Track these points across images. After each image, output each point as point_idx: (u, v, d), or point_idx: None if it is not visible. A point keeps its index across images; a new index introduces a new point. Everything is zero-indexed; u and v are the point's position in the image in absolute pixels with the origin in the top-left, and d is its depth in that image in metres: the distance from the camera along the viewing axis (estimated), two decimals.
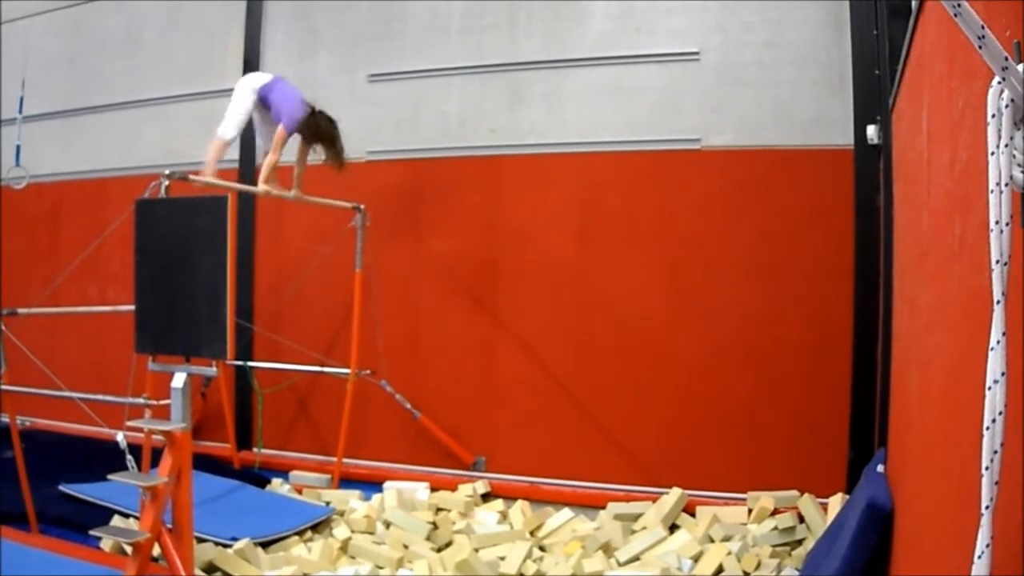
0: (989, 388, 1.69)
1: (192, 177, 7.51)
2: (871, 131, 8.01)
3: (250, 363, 10.20)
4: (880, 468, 6.21)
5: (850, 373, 8.27)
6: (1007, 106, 1.67)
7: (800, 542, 7.51)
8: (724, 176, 8.84)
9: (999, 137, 1.69)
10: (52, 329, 11.02)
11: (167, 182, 7.05)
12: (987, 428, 1.70)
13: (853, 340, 8.26)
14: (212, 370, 6.58)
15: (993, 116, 1.70)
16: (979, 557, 1.72)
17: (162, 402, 6.57)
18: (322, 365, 9.79)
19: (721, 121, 8.86)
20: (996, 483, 1.70)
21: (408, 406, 9.58)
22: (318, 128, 8.42)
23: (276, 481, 9.44)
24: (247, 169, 10.53)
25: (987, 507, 1.70)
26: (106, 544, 7.40)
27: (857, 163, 8.29)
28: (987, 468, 1.69)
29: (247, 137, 10.36)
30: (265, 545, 7.68)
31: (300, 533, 8.05)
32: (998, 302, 1.68)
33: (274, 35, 10.77)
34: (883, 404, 7.13)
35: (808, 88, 8.56)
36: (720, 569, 7.10)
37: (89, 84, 11.91)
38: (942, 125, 3.65)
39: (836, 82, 8.45)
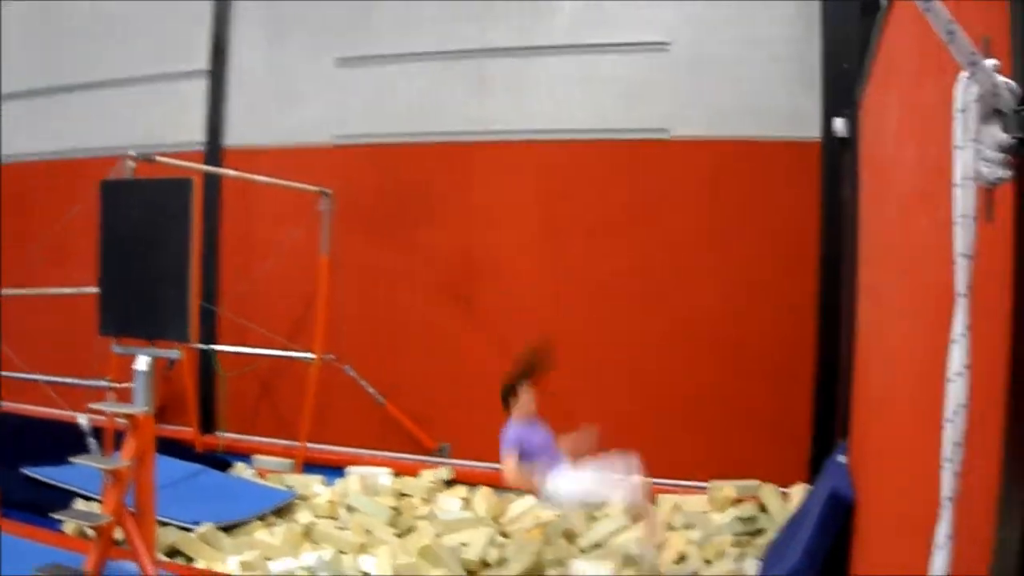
0: (951, 381, 1.71)
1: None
2: (839, 124, 8.02)
3: (214, 346, 10.14)
4: (842, 459, 6.26)
5: (813, 364, 8.33)
6: (975, 101, 1.68)
7: (762, 532, 7.54)
8: (692, 167, 8.87)
9: (965, 132, 1.70)
10: (18, 311, 10.90)
11: (133, 163, 6.99)
12: (949, 420, 1.71)
13: (817, 331, 8.32)
14: (175, 353, 6.54)
15: (960, 111, 1.71)
16: (939, 548, 1.74)
17: (125, 385, 6.53)
18: (286, 349, 9.73)
19: (689, 112, 8.89)
20: (957, 475, 1.72)
21: (372, 391, 9.57)
22: None
23: (239, 465, 9.41)
24: (211, 151, 10.52)
25: (948, 498, 1.72)
26: (68, 527, 7.35)
27: (824, 156, 8.35)
28: (949, 460, 1.71)
29: (213, 119, 10.39)
30: (227, 529, 7.65)
31: (263, 517, 8.02)
32: (962, 296, 1.70)
33: (243, 19, 10.69)
34: (846, 395, 7.18)
35: (777, 81, 8.61)
36: (681, 558, 7.13)
37: (56, 64, 11.77)
38: (910, 120, 3.67)
39: (805, 75, 8.48)
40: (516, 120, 9.49)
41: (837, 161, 8.14)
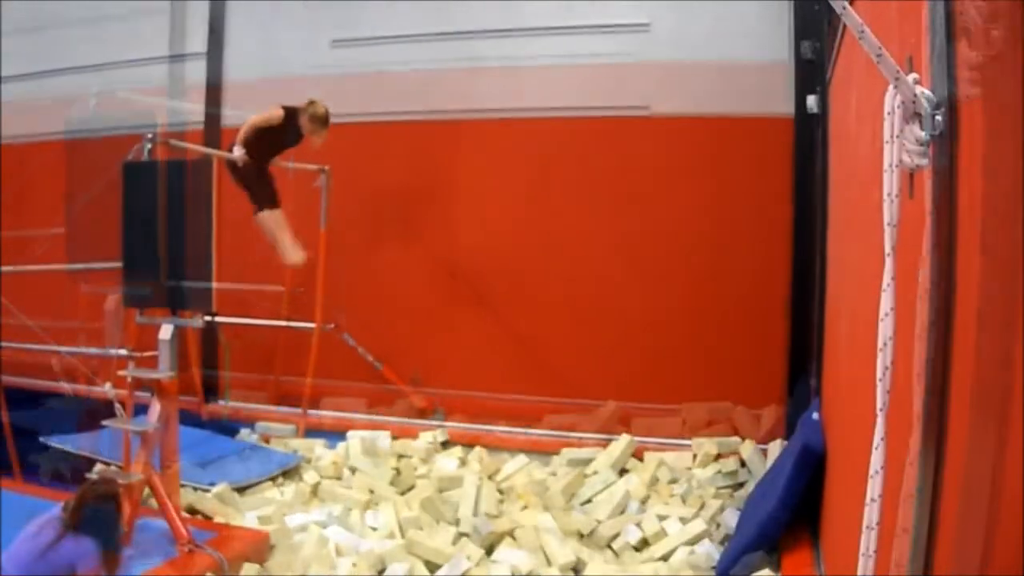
0: (881, 320, 2.24)
1: None
2: (811, 101, 8.36)
3: (218, 318, 10.40)
4: (816, 416, 6.70)
5: (788, 328, 8.81)
6: (899, 107, 2.18)
7: (741, 485, 7.97)
8: (672, 142, 9.25)
9: (892, 130, 2.21)
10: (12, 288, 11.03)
11: (150, 144, 7.29)
12: (880, 350, 2.23)
13: (791, 296, 8.78)
14: (198, 321, 6.95)
15: (888, 114, 2.21)
16: (875, 448, 2.25)
17: (146, 354, 6.90)
18: (287, 320, 10.09)
19: (669, 90, 9.26)
20: (888, 392, 2.23)
21: (370, 358, 9.95)
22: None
23: (244, 431, 9.80)
24: (210, 131, 10.87)
25: (881, 410, 2.23)
26: None
27: (797, 131, 8.73)
28: (880, 380, 2.23)
29: (211, 99, 10.65)
30: (240, 490, 8.10)
31: (272, 479, 8.47)
32: (888, 255, 2.22)
33: (239, 6, 11.03)
34: (818, 355, 7.61)
35: (753, 59, 8.97)
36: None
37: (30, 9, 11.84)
38: (865, 106, 4.14)
39: (780, 54, 8.87)
40: (505, 98, 9.82)
41: (809, 136, 8.51)
